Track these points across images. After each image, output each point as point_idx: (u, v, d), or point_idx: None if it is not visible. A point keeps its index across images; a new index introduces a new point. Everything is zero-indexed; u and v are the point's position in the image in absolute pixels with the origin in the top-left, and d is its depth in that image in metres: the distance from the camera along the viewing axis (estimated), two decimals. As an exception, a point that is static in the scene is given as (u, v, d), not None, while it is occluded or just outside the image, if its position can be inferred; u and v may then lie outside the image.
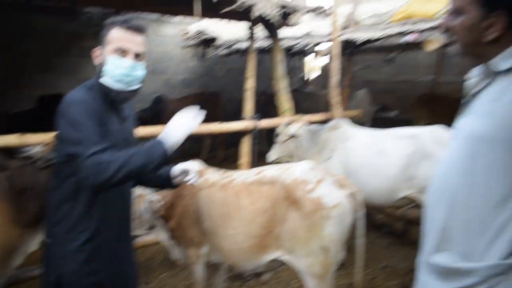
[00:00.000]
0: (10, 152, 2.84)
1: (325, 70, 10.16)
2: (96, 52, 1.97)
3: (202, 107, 6.89)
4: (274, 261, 2.61)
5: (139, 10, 3.70)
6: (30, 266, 3.40)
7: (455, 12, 1.44)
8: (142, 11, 4.14)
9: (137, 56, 1.96)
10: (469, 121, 1.46)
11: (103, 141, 1.79)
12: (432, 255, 1.51)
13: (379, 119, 8.36)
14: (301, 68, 11.61)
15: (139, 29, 1.97)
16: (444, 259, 1.46)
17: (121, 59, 1.92)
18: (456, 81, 8.23)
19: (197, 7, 3.28)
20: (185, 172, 2.23)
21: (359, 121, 7.80)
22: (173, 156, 1.89)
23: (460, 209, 1.43)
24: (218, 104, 8.28)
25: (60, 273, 1.94)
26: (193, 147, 9.43)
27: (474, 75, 1.53)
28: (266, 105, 7.95)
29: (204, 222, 2.75)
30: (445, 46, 5.14)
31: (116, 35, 1.92)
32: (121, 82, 1.93)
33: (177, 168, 2.24)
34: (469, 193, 1.40)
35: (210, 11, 3.70)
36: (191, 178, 2.20)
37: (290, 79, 9.67)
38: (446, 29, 1.50)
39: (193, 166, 2.25)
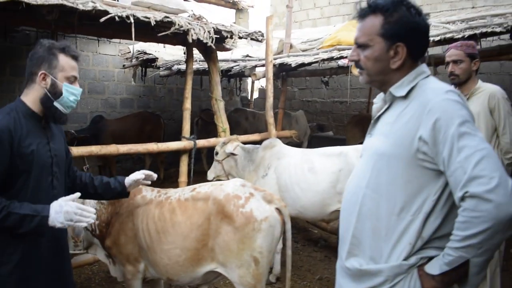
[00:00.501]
0: None
1: (262, 92, 10.51)
2: (41, 76, 2.03)
3: (142, 127, 6.97)
4: (210, 273, 2.73)
5: (76, 32, 3.76)
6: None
7: (361, 46, 1.64)
8: (78, 33, 4.20)
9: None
10: (373, 140, 1.68)
11: None
12: (346, 260, 1.69)
13: (316, 138, 8.76)
14: (244, 88, 11.91)
15: (78, 57, 2.15)
16: (355, 262, 1.64)
17: (75, 87, 2.09)
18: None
19: (133, 31, 3.39)
20: (137, 182, 2.51)
21: (296, 140, 8.17)
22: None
23: (367, 218, 1.61)
24: (158, 124, 8.33)
25: None
26: (134, 167, 9.40)
27: (378, 100, 1.77)
28: (208, 125, 8.10)
29: (141, 239, 2.83)
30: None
31: (68, 63, 2.07)
32: (70, 108, 2.11)
33: (130, 179, 2.48)
34: (375, 204, 1.59)
35: (147, 35, 3.82)
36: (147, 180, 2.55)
37: (230, 99, 9.96)
38: (355, 62, 1.70)
39: (141, 175, 2.52)
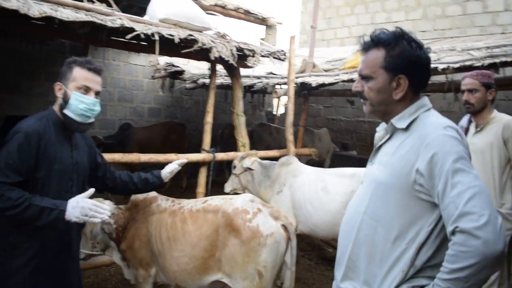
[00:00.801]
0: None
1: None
2: (57, 87, 2.26)
3: (167, 136, 7.22)
4: (216, 282, 2.85)
5: (104, 45, 4.00)
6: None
7: (365, 78, 1.73)
8: (107, 46, 4.45)
9: (97, 94, 2.30)
10: (373, 168, 1.76)
11: (14, 176, 2.07)
12: (341, 281, 1.77)
13: (339, 156, 8.77)
14: (270, 103, 12.06)
15: (99, 71, 2.32)
16: (349, 285, 1.73)
17: (84, 96, 2.24)
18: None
19: (157, 47, 3.59)
20: (172, 172, 2.88)
21: (319, 158, 8.22)
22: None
23: (364, 243, 1.68)
24: (183, 135, 8.53)
25: (6, 286, 2.14)
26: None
27: (380, 129, 1.84)
28: (231, 138, 8.27)
29: (153, 245, 2.97)
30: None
31: (80, 74, 2.25)
32: (82, 116, 2.25)
33: (167, 172, 2.87)
34: (372, 230, 1.66)
35: (172, 51, 4.01)
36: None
37: (253, 114, 10.12)
38: (358, 93, 1.78)
39: (176, 165, 2.92)
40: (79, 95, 2.23)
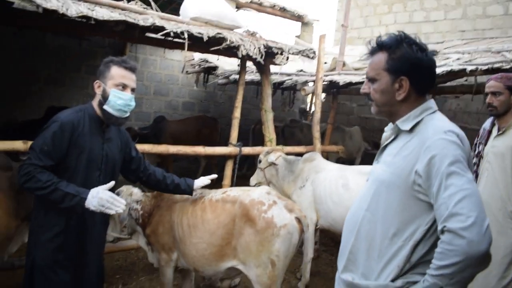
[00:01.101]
0: (15, 155, 3.31)
1: (322, 105, 10.66)
2: (97, 84, 2.49)
3: (200, 130, 7.47)
4: (231, 269, 3.01)
5: (137, 42, 4.24)
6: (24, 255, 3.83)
7: (371, 80, 1.83)
8: (141, 43, 4.71)
9: (132, 90, 2.53)
10: (378, 168, 1.85)
11: (46, 160, 2.32)
12: (342, 273, 1.88)
13: (370, 155, 8.77)
14: (304, 100, 12.12)
15: (134, 69, 2.54)
16: (349, 276, 1.83)
17: (122, 92, 2.46)
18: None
19: (186, 45, 3.79)
20: (203, 184, 3.13)
21: (350, 157, 8.25)
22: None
23: (364, 238, 1.79)
24: (215, 129, 8.75)
25: (33, 258, 2.40)
26: (190, 166, 9.92)
27: (388, 129, 1.92)
28: (262, 133, 8.43)
29: (175, 231, 3.17)
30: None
31: (117, 73, 2.47)
32: (120, 111, 2.48)
33: (198, 185, 3.10)
34: (372, 226, 1.76)
35: (202, 48, 4.19)
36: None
37: (283, 111, 10.22)
38: (366, 94, 1.88)
39: (208, 180, 3.18)
40: (117, 92, 2.44)
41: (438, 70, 4.49)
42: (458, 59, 4.97)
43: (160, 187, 3.01)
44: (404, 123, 1.75)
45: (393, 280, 1.67)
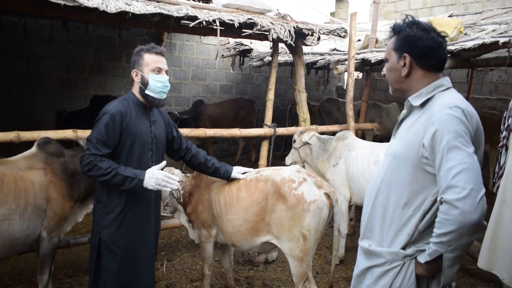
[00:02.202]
0: (66, 143, 3.63)
1: (358, 82, 10.60)
2: (134, 73, 2.72)
3: (237, 112, 7.70)
4: (266, 243, 3.21)
5: (172, 31, 4.45)
6: (77, 234, 4.20)
7: (385, 61, 1.99)
8: (176, 32, 4.92)
9: (166, 72, 2.76)
10: (393, 142, 2.00)
11: (104, 149, 2.57)
12: (360, 240, 2.06)
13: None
14: (341, 79, 12.09)
15: (163, 53, 2.77)
16: (366, 243, 2.00)
17: (160, 75, 2.70)
18: (490, 98, 8.51)
19: (218, 32, 3.96)
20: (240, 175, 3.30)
21: (387, 134, 8.22)
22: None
23: (378, 208, 1.94)
24: (252, 110, 8.94)
25: (100, 236, 2.69)
26: (229, 148, 10.20)
27: (406, 106, 2.07)
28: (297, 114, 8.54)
29: (213, 209, 3.39)
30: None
31: (151, 59, 2.70)
32: (161, 93, 2.73)
33: (235, 175, 3.28)
34: (386, 197, 1.91)
35: (234, 33, 4.34)
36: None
37: (317, 90, 10.25)
38: (384, 75, 2.03)
39: (242, 176, 3.31)
40: (155, 76, 2.68)
41: (470, 44, 4.45)
42: (493, 30, 4.88)
43: (200, 168, 3.24)
44: (416, 99, 1.88)
45: (404, 248, 1.83)
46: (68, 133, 3.85)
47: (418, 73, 1.87)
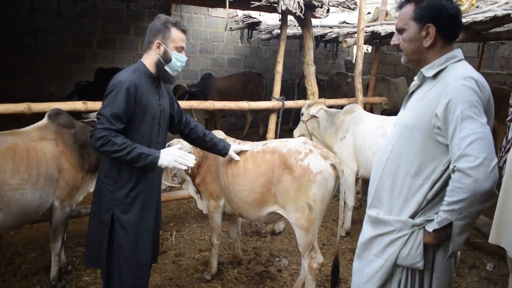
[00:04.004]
0: (76, 115, 3.67)
1: (367, 56, 10.48)
2: (157, 44, 2.61)
3: (245, 86, 7.68)
4: (272, 213, 3.26)
5: (182, 2, 4.41)
6: (88, 205, 4.29)
7: (399, 31, 1.94)
8: (184, 3, 4.87)
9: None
10: (403, 113, 1.99)
11: (118, 123, 2.47)
12: (368, 209, 2.09)
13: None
14: (350, 52, 11.95)
15: (186, 31, 2.72)
16: (374, 212, 2.03)
17: (181, 55, 2.66)
18: (501, 72, 8.40)
19: (227, 2, 3.92)
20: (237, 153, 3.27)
21: (395, 108, 8.18)
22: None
23: (387, 177, 1.96)
24: (260, 84, 8.92)
25: (112, 213, 2.65)
26: (237, 122, 10.22)
27: (417, 78, 2.05)
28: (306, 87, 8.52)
29: (221, 180, 3.44)
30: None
31: (178, 36, 2.64)
32: (177, 71, 2.72)
33: (232, 154, 3.22)
34: (395, 166, 1.93)
35: (242, 5, 4.30)
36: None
37: (326, 63, 10.14)
38: (396, 45, 2.00)
39: (243, 148, 3.31)
40: (178, 55, 2.65)
41: (481, 16, 4.37)
42: (506, 3, 4.78)
43: (198, 142, 3.18)
44: (428, 70, 1.87)
45: (412, 217, 1.85)
46: (78, 105, 3.89)
47: (439, 43, 1.86)
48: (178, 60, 2.65)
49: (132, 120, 2.57)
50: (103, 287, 2.83)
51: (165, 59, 2.62)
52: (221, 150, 3.20)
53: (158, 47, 2.61)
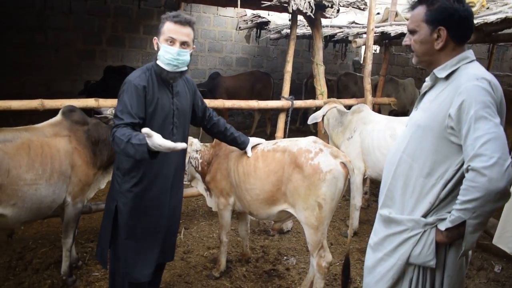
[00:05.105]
0: (88, 111, 3.71)
1: (375, 57, 10.48)
2: (155, 41, 2.62)
3: (253, 85, 7.68)
4: (282, 212, 3.29)
5: (192, 1, 4.43)
6: (98, 201, 4.34)
7: (411, 32, 1.96)
8: (195, 2, 4.89)
9: (183, 44, 2.55)
10: (416, 113, 2.02)
11: (127, 117, 2.42)
12: (380, 208, 2.11)
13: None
14: (358, 53, 11.94)
15: (185, 22, 2.56)
16: (386, 211, 2.05)
17: (169, 47, 2.53)
18: (510, 74, 8.37)
19: (239, 1, 3.93)
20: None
21: (403, 109, 8.19)
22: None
23: (400, 177, 1.98)
24: (268, 83, 8.94)
25: (117, 204, 2.68)
26: (245, 121, 10.24)
27: (429, 79, 2.05)
28: (314, 87, 8.53)
29: (232, 178, 3.47)
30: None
31: (168, 27, 2.54)
32: (169, 65, 2.56)
33: (253, 143, 3.38)
34: (408, 166, 1.95)
35: (253, 5, 4.31)
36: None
37: (335, 63, 10.14)
38: (407, 46, 2.02)
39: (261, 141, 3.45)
40: (165, 46, 2.52)
41: (493, 18, 4.37)
42: (517, 4, 4.78)
43: (220, 136, 3.27)
44: (441, 71, 1.89)
45: (425, 216, 1.87)
46: (90, 102, 3.93)
47: (450, 45, 1.87)
48: (166, 52, 2.51)
49: (145, 119, 2.55)
50: (109, 283, 2.86)
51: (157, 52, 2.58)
52: (240, 144, 3.32)
53: (156, 43, 2.60)
